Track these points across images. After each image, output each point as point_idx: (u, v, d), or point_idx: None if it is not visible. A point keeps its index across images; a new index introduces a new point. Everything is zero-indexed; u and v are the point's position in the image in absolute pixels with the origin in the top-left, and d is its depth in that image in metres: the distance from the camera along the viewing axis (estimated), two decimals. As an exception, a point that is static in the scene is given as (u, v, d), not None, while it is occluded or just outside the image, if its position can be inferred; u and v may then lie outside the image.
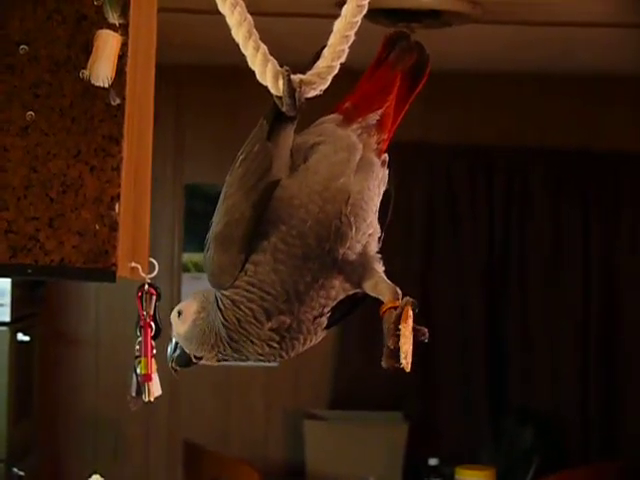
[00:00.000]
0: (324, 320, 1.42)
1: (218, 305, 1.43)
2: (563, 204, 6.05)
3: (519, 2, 4.52)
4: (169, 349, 1.51)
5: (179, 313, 1.48)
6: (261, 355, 1.42)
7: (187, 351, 1.48)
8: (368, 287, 1.42)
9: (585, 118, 6.15)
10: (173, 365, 1.50)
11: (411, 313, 1.34)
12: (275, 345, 1.41)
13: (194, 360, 1.49)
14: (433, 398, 5.98)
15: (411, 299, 1.36)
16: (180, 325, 1.47)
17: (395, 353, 1.33)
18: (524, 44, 5.34)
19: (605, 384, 6.00)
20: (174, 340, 1.50)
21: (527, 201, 6.05)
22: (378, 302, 1.40)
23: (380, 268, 1.44)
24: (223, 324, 1.42)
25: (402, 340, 1.32)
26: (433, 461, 5.56)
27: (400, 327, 1.33)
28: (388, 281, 1.42)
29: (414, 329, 1.34)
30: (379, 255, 1.45)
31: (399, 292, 1.39)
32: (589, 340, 6.00)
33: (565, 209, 6.05)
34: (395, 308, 1.36)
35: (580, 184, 6.05)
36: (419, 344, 1.33)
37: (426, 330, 1.36)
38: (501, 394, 6.01)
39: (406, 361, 1.33)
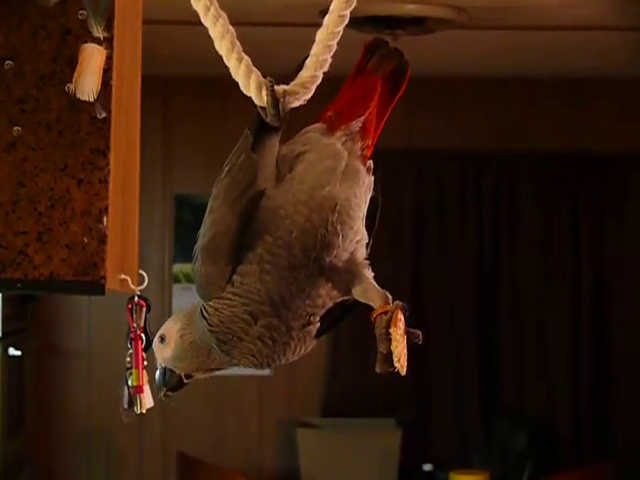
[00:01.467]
0: (313, 329, 1.42)
1: (202, 314, 1.43)
2: (552, 206, 6.06)
3: (503, 8, 4.53)
4: (157, 378, 1.51)
5: (161, 339, 1.49)
6: (254, 356, 1.42)
7: (177, 371, 1.48)
8: (357, 293, 1.42)
9: (571, 121, 6.17)
10: (165, 392, 1.50)
11: (401, 316, 1.34)
12: (268, 342, 1.40)
13: (185, 380, 1.50)
14: (426, 404, 5.98)
15: (401, 303, 1.36)
16: (165, 349, 1.48)
17: (388, 357, 1.33)
18: (509, 48, 5.36)
19: (597, 387, 6.01)
20: (161, 367, 1.50)
21: (516, 204, 6.06)
22: (369, 308, 1.41)
23: (369, 274, 1.44)
24: (210, 330, 1.42)
25: (394, 344, 1.32)
26: (427, 467, 5.58)
27: (391, 331, 1.33)
28: (378, 287, 1.42)
29: (407, 332, 1.34)
30: (367, 261, 1.45)
31: (389, 297, 1.39)
32: (581, 344, 6.01)
33: (554, 211, 6.06)
34: (386, 313, 1.36)
35: (568, 186, 6.06)
36: (413, 347, 1.33)
37: (419, 332, 1.35)
38: (494, 399, 6.01)
39: (400, 364, 1.32)
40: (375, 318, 1.37)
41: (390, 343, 1.33)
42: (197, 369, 1.49)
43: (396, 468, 5.67)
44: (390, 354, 1.33)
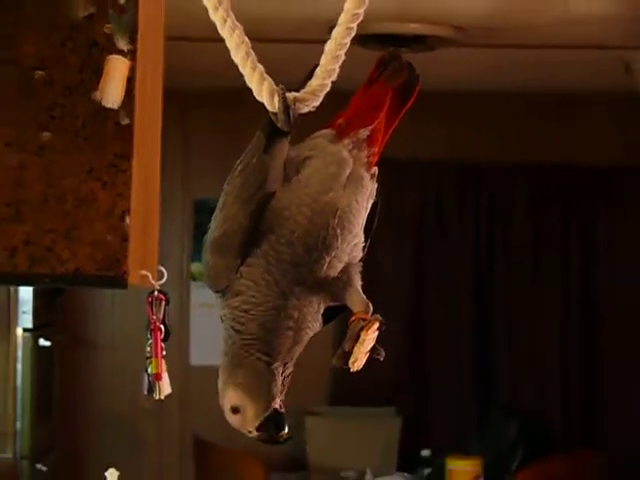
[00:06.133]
0: (319, 321, 1.41)
1: (229, 334, 1.38)
2: (544, 215, 6.05)
3: (499, 27, 4.52)
4: (269, 436, 1.37)
5: (234, 410, 1.37)
6: (289, 321, 1.34)
7: (270, 413, 1.36)
8: (345, 295, 1.40)
9: (563, 135, 6.15)
10: (285, 435, 1.37)
11: (375, 328, 1.33)
12: (291, 324, 1.34)
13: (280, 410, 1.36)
14: (425, 394, 5.98)
15: (380, 317, 1.34)
16: (246, 414, 1.36)
17: (346, 355, 1.32)
18: (505, 66, 5.35)
19: (583, 381, 6.00)
20: (257, 429, 1.37)
21: (511, 212, 6.06)
22: (349, 311, 1.39)
23: (358, 279, 1.41)
24: (240, 337, 1.36)
25: (357, 346, 1.31)
26: (425, 452, 5.56)
27: (361, 334, 1.31)
28: (362, 294, 1.39)
29: (374, 346, 1.33)
30: (361, 263, 1.43)
31: (370, 307, 1.37)
32: (569, 341, 6.02)
33: (546, 220, 6.06)
34: (364, 319, 1.34)
35: (560, 196, 6.06)
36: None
37: (383, 351, 1.33)
38: (488, 390, 6.00)
39: (354, 365, 1.31)
40: (352, 321, 1.35)
41: (354, 344, 1.31)
42: (272, 396, 1.37)
43: (396, 453, 5.66)
44: (349, 353, 1.31)
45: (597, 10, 4.20)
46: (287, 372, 1.37)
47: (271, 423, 1.36)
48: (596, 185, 6.04)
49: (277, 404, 1.36)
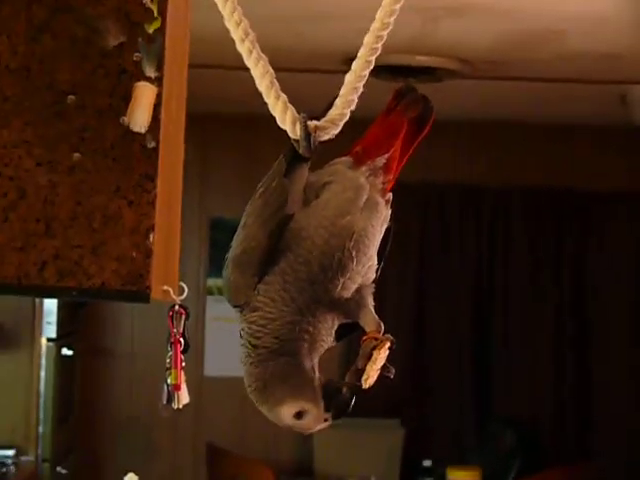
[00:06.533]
0: (332, 336, 1.40)
1: (251, 345, 1.36)
2: (540, 235, 6.06)
3: (502, 61, 4.54)
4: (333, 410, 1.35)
5: (299, 414, 1.36)
6: (306, 334, 1.33)
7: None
8: (358, 315, 1.39)
9: (558, 161, 6.16)
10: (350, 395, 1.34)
11: (387, 347, 1.33)
12: (306, 337, 1.33)
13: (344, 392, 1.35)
14: (427, 407, 5.96)
15: (391, 337, 1.34)
16: (309, 414, 1.35)
17: (359, 372, 1.32)
18: (506, 96, 5.36)
19: (578, 395, 5.99)
20: (329, 417, 1.36)
21: (509, 233, 6.07)
22: (361, 329, 1.38)
23: (371, 300, 1.41)
24: (257, 353, 1.35)
25: (370, 364, 1.31)
26: (427, 462, 5.54)
27: (374, 352, 1.31)
28: (375, 314, 1.39)
29: (385, 364, 1.33)
30: (373, 285, 1.43)
31: (382, 327, 1.37)
32: (563, 356, 6.01)
33: (542, 240, 6.07)
34: (376, 339, 1.34)
35: (555, 218, 6.07)
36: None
37: (393, 370, 1.33)
38: (486, 403, 5.98)
39: (366, 382, 1.31)
40: (365, 340, 1.35)
41: (367, 362, 1.31)
42: (313, 380, 1.36)
43: (399, 463, 5.64)
44: (362, 370, 1.31)
45: (592, 47, 4.21)
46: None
47: (332, 399, 1.34)
48: (586, 207, 6.06)
49: (318, 381, 1.35)
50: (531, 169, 6.15)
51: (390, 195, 1.44)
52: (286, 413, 1.35)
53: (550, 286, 6.02)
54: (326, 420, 1.36)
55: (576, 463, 5.70)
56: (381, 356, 1.31)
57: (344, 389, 1.33)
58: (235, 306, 1.39)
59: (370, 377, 1.31)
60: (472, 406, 5.96)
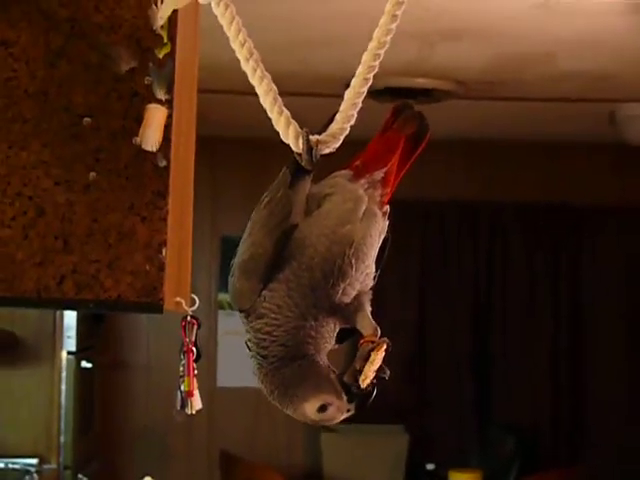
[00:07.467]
0: (334, 339, 1.40)
1: (258, 363, 1.37)
2: (536, 249, 6.06)
3: (496, 82, 4.54)
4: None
5: (322, 408, 1.34)
6: (311, 337, 1.33)
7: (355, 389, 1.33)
8: (356, 319, 1.40)
9: (552, 177, 6.16)
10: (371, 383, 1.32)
11: (383, 349, 1.33)
12: (310, 341, 1.33)
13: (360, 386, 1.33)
14: (430, 413, 5.95)
15: (387, 340, 1.34)
16: (333, 407, 1.34)
17: (357, 373, 1.32)
18: (500, 116, 5.37)
19: (573, 402, 5.98)
20: (352, 406, 1.34)
21: (506, 247, 6.06)
22: (359, 334, 1.39)
23: (369, 306, 1.41)
24: (267, 362, 1.36)
25: (367, 365, 1.31)
26: (430, 466, 5.53)
27: (371, 354, 1.32)
28: (372, 319, 1.39)
29: (380, 366, 1.33)
30: (371, 292, 1.43)
31: (378, 331, 1.37)
32: (559, 365, 6.00)
33: (538, 253, 6.06)
34: (372, 342, 1.34)
35: (549, 232, 6.06)
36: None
37: (388, 371, 1.33)
38: (487, 410, 5.97)
39: (363, 383, 1.31)
40: (362, 343, 1.35)
41: (365, 364, 1.31)
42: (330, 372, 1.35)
43: (404, 466, 5.62)
44: (360, 371, 1.32)
45: (581, 68, 4.22)
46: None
47: (354, 390, 1.33)
48: (580, 221, 6.06)
49: (334, 374, 1.34)
50: (526, 185, 6.15)
51: (387, 207, 1.44)
52: (310, 409, 1.35)
53: (546, 299, 6.02)
54: (349, 411, 1.35)
55: (571, 466, 5.68)
56: (378, 357, 1.32)
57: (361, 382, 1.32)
58: (241, 311, 1.39)
59: (367, 378, 1.31)
60: (473, 412, 5.95)
